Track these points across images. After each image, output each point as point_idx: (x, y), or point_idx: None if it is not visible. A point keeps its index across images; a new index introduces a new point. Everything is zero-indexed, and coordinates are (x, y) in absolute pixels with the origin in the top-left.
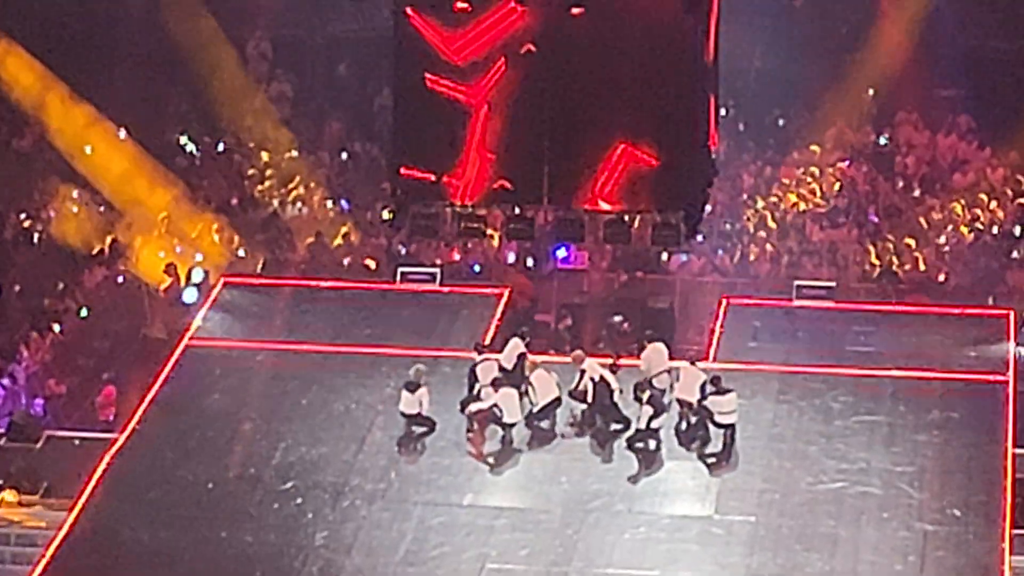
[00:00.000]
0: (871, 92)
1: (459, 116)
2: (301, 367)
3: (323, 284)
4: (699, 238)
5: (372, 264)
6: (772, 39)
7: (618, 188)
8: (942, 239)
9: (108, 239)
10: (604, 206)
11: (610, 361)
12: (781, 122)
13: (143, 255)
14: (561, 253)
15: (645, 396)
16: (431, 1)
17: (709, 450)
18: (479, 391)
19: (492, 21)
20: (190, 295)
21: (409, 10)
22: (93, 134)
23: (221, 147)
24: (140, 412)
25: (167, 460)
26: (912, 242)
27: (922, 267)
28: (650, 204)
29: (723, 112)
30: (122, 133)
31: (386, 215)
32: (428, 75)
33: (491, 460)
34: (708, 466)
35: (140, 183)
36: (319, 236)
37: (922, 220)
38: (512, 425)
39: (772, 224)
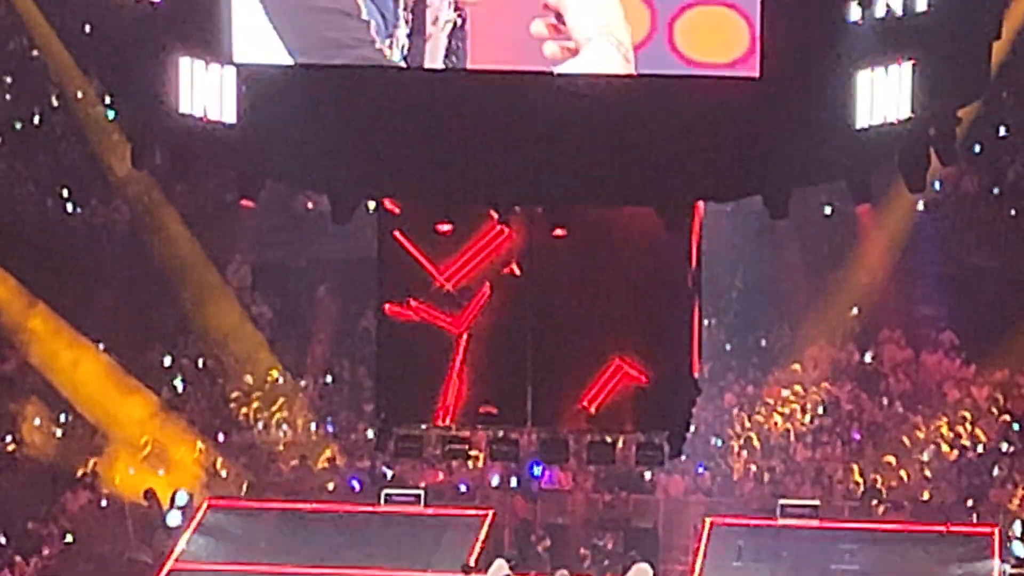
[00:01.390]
0: (854, 311)
1: (443, 341)
2: None
3: (308, 507)
4: (682, 457)
5: (356, 486)
6: (755, 258)
7: (603, 409)
8: (926, 457)
9: (91, 462)
10: (589, 427)
11: None
12: (764, 342)
13: (126, 478)
14: (536, 471)
15: None
16: (413, 223)
17: None
18: None
19: (478, 245)
20: (174, 518)
21: (395, 233)
22: (75, 355)
23: (204, 369)
24: None
25: None
26: (896, 460)
27: (907, 485)
28: (635, 424)
29: (707, 331)
30: (104, 355)
31: (370, 436)
32: (412, 300)
33: None
34: None
35: (123, 405)
36: (303, 459)
37: (906, 438)
38: None
39: (756, 443)
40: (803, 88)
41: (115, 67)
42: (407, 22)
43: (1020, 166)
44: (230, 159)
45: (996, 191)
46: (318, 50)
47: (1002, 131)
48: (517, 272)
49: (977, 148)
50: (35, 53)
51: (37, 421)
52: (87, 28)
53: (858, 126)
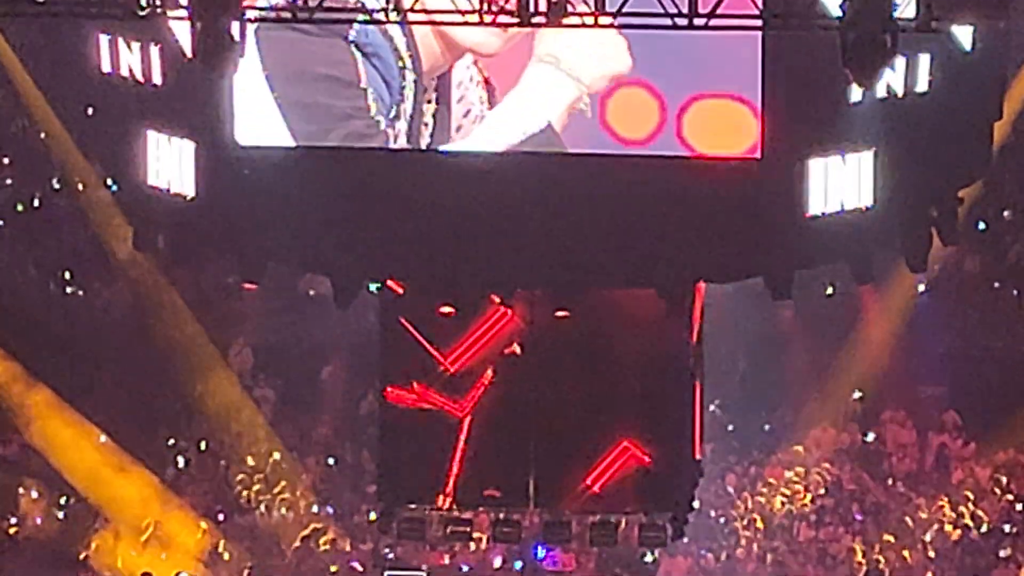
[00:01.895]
0: (857, 392)
1: (445, 423)
2: None
3: None
4: (685, 539)
5: (359, 567)
6: (757, 340)
7: (606, 490)
8: (929, 537)
9: (93, 544)
10: (591, 508)
11: None
12: (767, 426)
13: (128, 560)
14: (539, 553)
15: None
16: (415, 305)
17: None
18: None
19: (480, 328)
20: None
21: (400, 319)
22: (77, 437)
23: (206, 451)
24: None
25: None
26: (899, 540)
27: (910, 565)
28: (637, 506)
29: (709, 412)
30: (106, 436)
31: (373, 518)
32: (415, 384)
33: None
34: None
35: (124, 487)
36: (306, 541)
37: (908, 518)
38: None
39: (759, 524)
40: (804, 169)
41: (116, 149)
42: (431, 100)
43: (1022, 246)
44: (231, 241)
45: (998, 272)
46: (310, 117)
47: (1004, 211)
48: (519, 351)
49: (979, 228)
50: (39, 135)
51: (38, 501)
52: (89, 110)
53: (864, 206)
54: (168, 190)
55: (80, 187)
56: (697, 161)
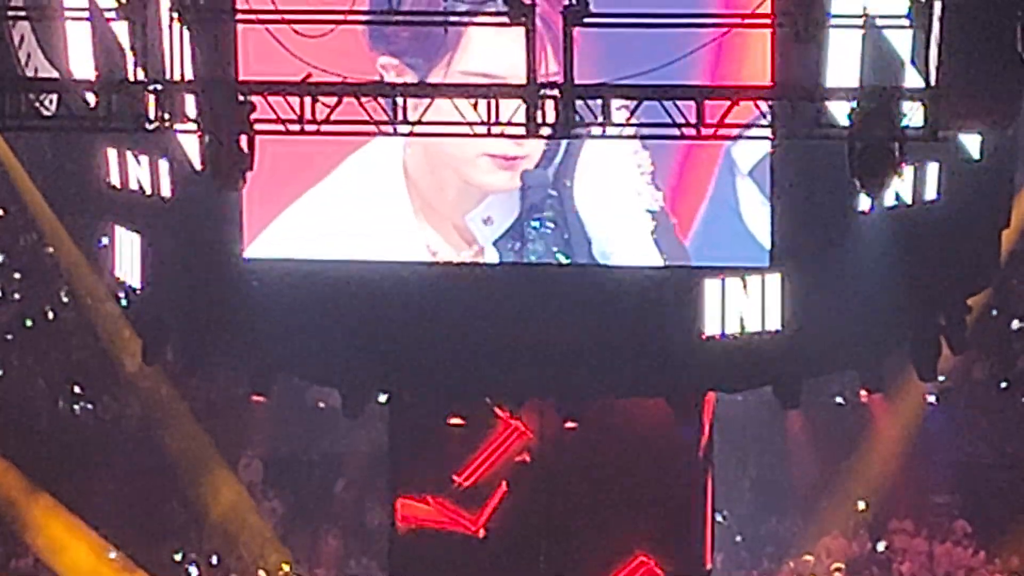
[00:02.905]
0: (861, 503)
1: (457, 537)
2: None
3: None
4: None
5: None
6: (766, 448)
7: None
8: None
9: None
10: None
11: None
12: (776, 533)
13: None
14: None
15: None
16: (425, 417)
17: None
18: None
19: (490, 441)
20: None
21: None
22: (87, 551)
23: (216, 565)
24: None
25: None
26: None
27: None
28: None
29: (719, 522)
30: (116, 550)
31: None
32: (429, 497)
33: None
34: None
35: None
36: None
37: None
38: None
39: None
40: (814, 278)
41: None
42: None
43: None
44: (240, 353)
45: (1006, 380)
46: None
47: (1013, 319)
48: (528, 460)
49: (987, 336)
50: (48, 249)
51: None
52: (99, 223)
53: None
54: (177, 302)
55: (89, 300)
56: (703, 272)
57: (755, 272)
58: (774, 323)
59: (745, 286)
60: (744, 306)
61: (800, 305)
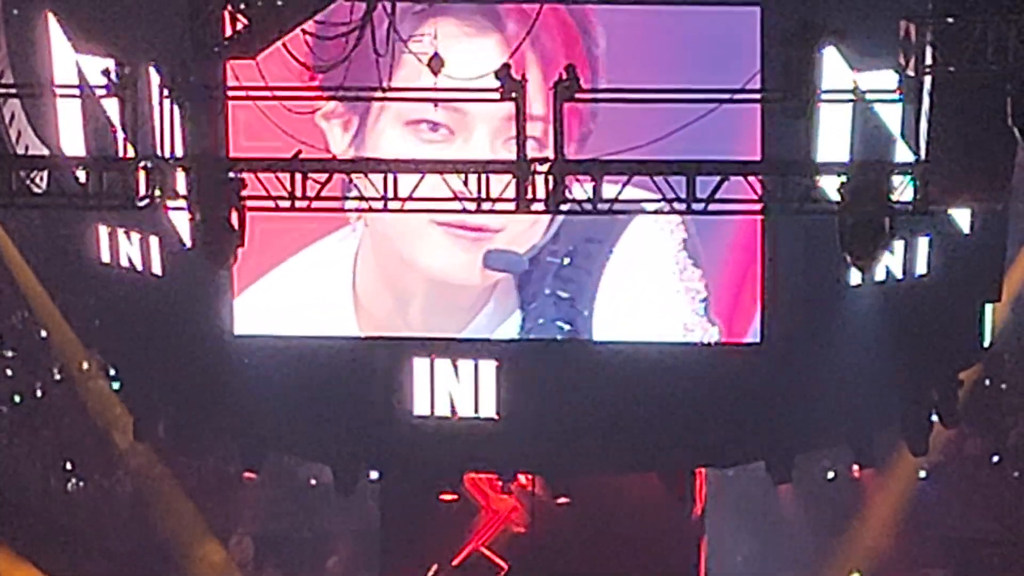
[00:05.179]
0: (859, 575)
1: None
2: None
3: None
4: None
5: None
6: (759, 522)
7: None
8: None
9: None
10: None
11: None
12: None
13: None
14: None
15: None
16: (416, 492)
17: None
18: None
19: (485, 518)
20: None
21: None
22: None
23: None
24: None
25: None
26: None
27: None
28: None
29: None
30: None
31: None
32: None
33: None
34: None
35: None
36: None
37: None
38: None
39: None
40: (805, 353)
41: (118, 337)
42: None
43: (1023, 429)
44: (231, 430)
45: (998, 454)
46: None
47: (1004, 393)
48: (523, 534)
49: (979, 411)
50: (38, 326)
51: None
52: (90, 300)
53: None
54: (168, 378)
55: (81, 378)
56: (696, 347)
57: None
58: None
59: None
60: None
61: (780, 381)
